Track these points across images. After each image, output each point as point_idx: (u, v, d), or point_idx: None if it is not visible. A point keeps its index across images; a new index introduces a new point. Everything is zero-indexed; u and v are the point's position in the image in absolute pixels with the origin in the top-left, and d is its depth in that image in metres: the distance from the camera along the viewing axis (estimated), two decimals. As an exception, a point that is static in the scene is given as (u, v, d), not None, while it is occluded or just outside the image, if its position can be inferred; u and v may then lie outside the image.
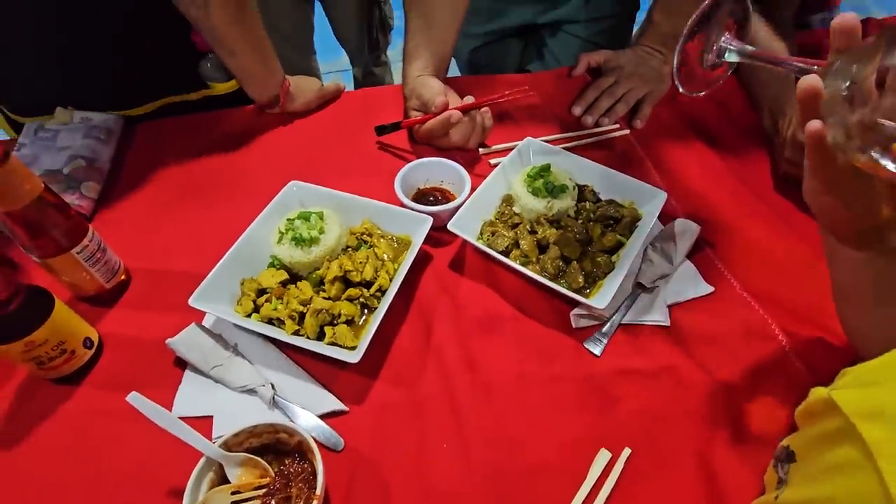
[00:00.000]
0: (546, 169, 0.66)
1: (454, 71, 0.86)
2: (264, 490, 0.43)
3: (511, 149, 0.71)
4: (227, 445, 0.44)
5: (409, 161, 0.69)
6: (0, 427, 0.50)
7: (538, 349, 0.56)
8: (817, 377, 0.53)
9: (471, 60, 1.13)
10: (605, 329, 0.57)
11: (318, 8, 1.29)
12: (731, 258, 0.64)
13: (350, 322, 0.55)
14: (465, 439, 0.50)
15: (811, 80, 0.32)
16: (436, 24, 0.77)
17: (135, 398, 0.41)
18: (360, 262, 0.57)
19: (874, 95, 0.29)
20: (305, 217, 0.60)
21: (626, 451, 0.48)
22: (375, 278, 0.57)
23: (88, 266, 0.55)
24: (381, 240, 0.62)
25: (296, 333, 0.54)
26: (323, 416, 0.51)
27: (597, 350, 0.56)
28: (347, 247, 0.62)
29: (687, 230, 0.63)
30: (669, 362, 0.55)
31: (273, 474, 0.44)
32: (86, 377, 0.54)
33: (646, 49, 0.83)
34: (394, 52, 1.51)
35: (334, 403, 0.51)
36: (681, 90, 0.44)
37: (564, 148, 0.73)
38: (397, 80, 1.57)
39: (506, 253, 0.61)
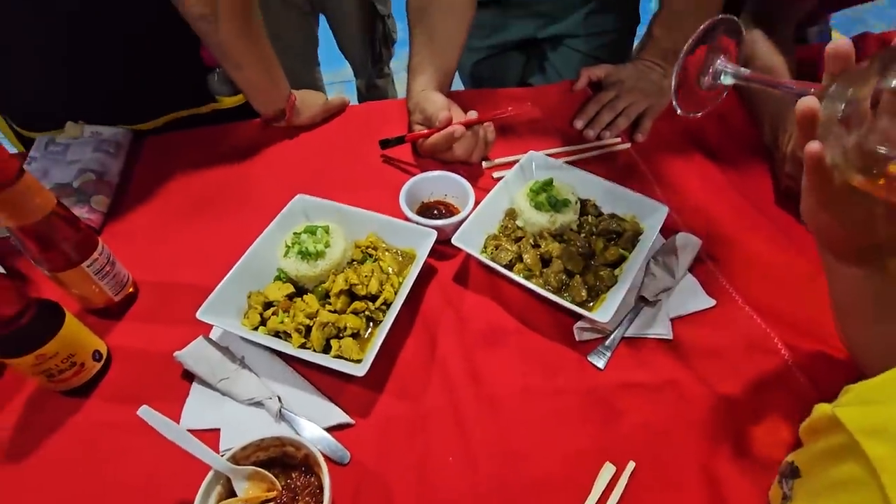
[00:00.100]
0: (549, 183, 0.67)
1: (457, 83, 0.87)
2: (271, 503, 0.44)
3: (514, 162, 0.72)
4: (235, 459, 0.44)
5: (414, 174, 0.70)
6: (10, 439, 0.51)
7: (542, 362, 0.57)
8: (820, 390, 0.53)
9: (473, 73, 1.15)
10: (608, 342, 0.58)
11: (322, 20, 1.31)
12: (733, 271, 0.64)
13: (356, 335, 0.56)
14: (470, 452, 0.50)
15: (809, 102, 0.33)
16: (440, 41, 0.78)
17: (145, 412, 0.42)
18: (366, 276, 0.58)
19: (870, 117, 0.30)
20: (312, 231, 0.61)
21: (631, 465, 0.49)
22: (381, 292, 0.58)
23: (98, 279, 0.56)
24: (386, 253, 0.63)
25: (302, 346, 0.55)
26: (329, 429, 0.51)
27: (600, 363, 0.56)
28: (353, 260, 0.63)
29: (688, 244, 0.64)
30: (672, 376, 0.55)
31: (280, 488, 0.45)
32: (94, 389, 0.54)
33: (646, 63, 0.84)
34: (396, 63, 1.53)
35: (340, 416, 0.51)
36: (679, 111, 0.45)
37: (567, 161, 0.74)
38: (400, 90, 1.60)
39: (509, 266, 0.62)
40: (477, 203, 0.66)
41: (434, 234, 0.61)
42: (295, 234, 0.62)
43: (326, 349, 0.55)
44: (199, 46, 0.78)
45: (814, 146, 0.33)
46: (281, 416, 0.51)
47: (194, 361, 0.53)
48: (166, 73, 0.80)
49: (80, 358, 0.52)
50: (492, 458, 0.50)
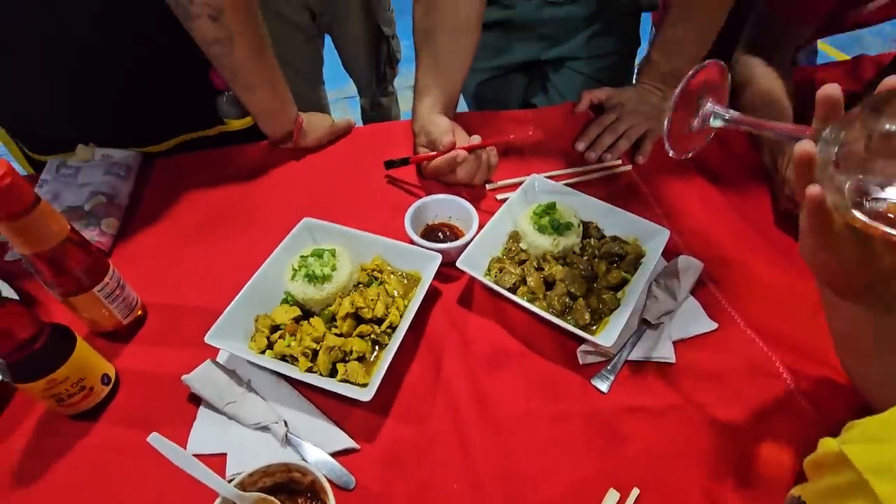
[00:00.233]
0: (552, 207, 0.68)
1: (461, 104, 0.89)
2: (277, 530, 0.44)
3: (517, 184, 0.74)
4: (243, 485, 0.44)
5: (418, 195, 0.72)
6: (19, 463, 0.51)
7: (545, 386, 0.57)
8: (821, 414, 0.54)
9: (477, 94, 1.17)
10: (611, 366, 0.58)
11: (328, 39, 1.34)
12: (734, 294, 0.65)
13: (361, 358, 0.56)
14: (475, 477, 0.50)
15: (806, 147, 0.34)
16: (445, 63, 0.80)
17: (155, 439, 0.42)
18: (372, 300, 0.59)
19: (864, 159, 0.31)
20: (319, 254, 0.62)
21: (635, 492, 0.49)
22: (386, 315, 0.59)
23: (108, 303, 0.57)
24: (392, 276, 0.63)
25: (309, 370, 0.55)
26: (334, 454, 0.51)
27: (604, 387, 0.57)
28: (359, 283, 0.63)
29: (690, 266, 0.65)
30: (676, 400, 0.56)
31: (286, 514, 0.45)
32: (103, 413, 0.55)
33: (646, 87, 0.86)
34: (400, 81, 1.56)
35: (346, 441, 0.52)
36: (671, 154, 0.47)
37: (569, 183, 0.75)
38: (403, 107, 1.61)
39: (513, 289, 0.62)
40: (481, 225, 0.67)
41: (439, 258, 0.62)
42: (302, 257, 0.63)
43: (333, 373, 0.55)
44: (208, 70, 0.80)
45: (815, 190, 0.34)
46: (287, 441, 0.52)
47: (202, 385, 0.54)
48: (176, 96, 0.82)
49: (90, 382, 0.52)
50: (496, 483, 0.50)
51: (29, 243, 0.49)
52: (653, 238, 0.66)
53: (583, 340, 0.59)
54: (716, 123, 0.45)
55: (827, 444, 0.33)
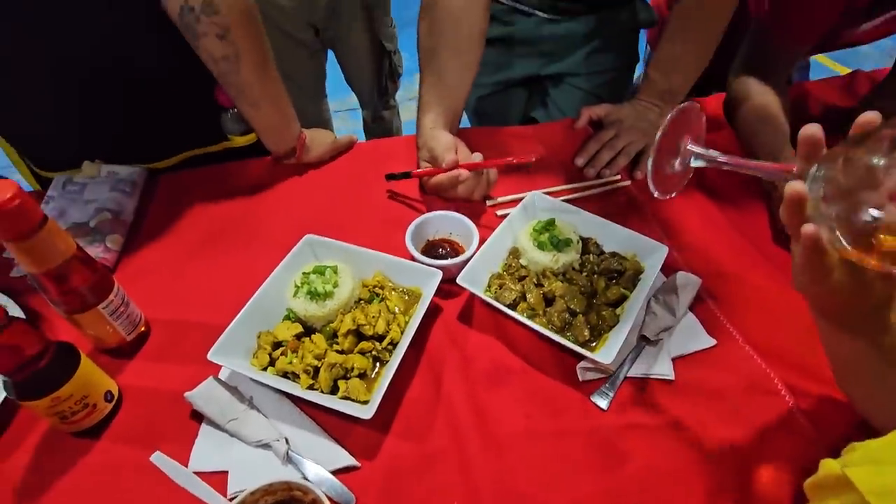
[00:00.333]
0: (551, 223, 0.69)
1: (462, 119, 0.90)
2: (278, 549, 0.44)
3: (516, 200, 0.74)
4: (244, 503, 0.45)
5: (418, 209, 0.72)
6: (22, 480, 0.52)
7: (545, 402, 0.58)
8: (821, 433, 0.54)
9: (478, 109, 1.18)
10: (610, 383, 0.58)
11: (330, 53, 1.36)
12: (733, 310, 0.65)
13: (363, 375, 0.57)
14: (475, 494, 0.51)
15: (797, 187, 0.35)
16: (448, 80, 0.81)
17: (158, 458, 0.43)
18: (373, 317, 0.59)
19: (850, 193, 0.32)
20: (321, 271, 0.63)
21: (635, 510, 0.49)
22: (387, 332, 0.59)
23: (112, 320, 0.57)
24: (393, 292, 0.64)
25: (310, 388, 0.56)
26: (335, 472, 0.52)
27: (603, 404, 0.57)
28: (360, 299, 0.64)
29: (689, 283, 0.65)
30: (675, 417, 0.56)
31: (287, 533, 0.45)
32: (105, 430, 0.55)
33: (644, 104, 0.87)
34: (402, 94, 1.58)
35: (347, 459, 0.52)
36: (655, 195, 0.48)
37: (568, 199, 0.76)
38: (404, 118, 1.63)
39: (513, 306, 0.63)
40: (481, 241, 0.68)
41: (439, 275, 0.63)
42: (304, 273, 0.63)
43: (334, 390, 0.56)
44: (213, 87, 0.81)
45: (810, 228, 0.35)
46: (288, 459, 0.52)
47: (204, 402, 0.54)
48: (181, 113, 0.83)
49: (93, 399, 0.53)
50: (496, 500, 0.50)
51: (36, 262, 0.50)
52: (651, 254, 0.67)
53: (582, 357, 0.59)
54: (697, 164, 0.46)
55: (828, 466, 0.33)
